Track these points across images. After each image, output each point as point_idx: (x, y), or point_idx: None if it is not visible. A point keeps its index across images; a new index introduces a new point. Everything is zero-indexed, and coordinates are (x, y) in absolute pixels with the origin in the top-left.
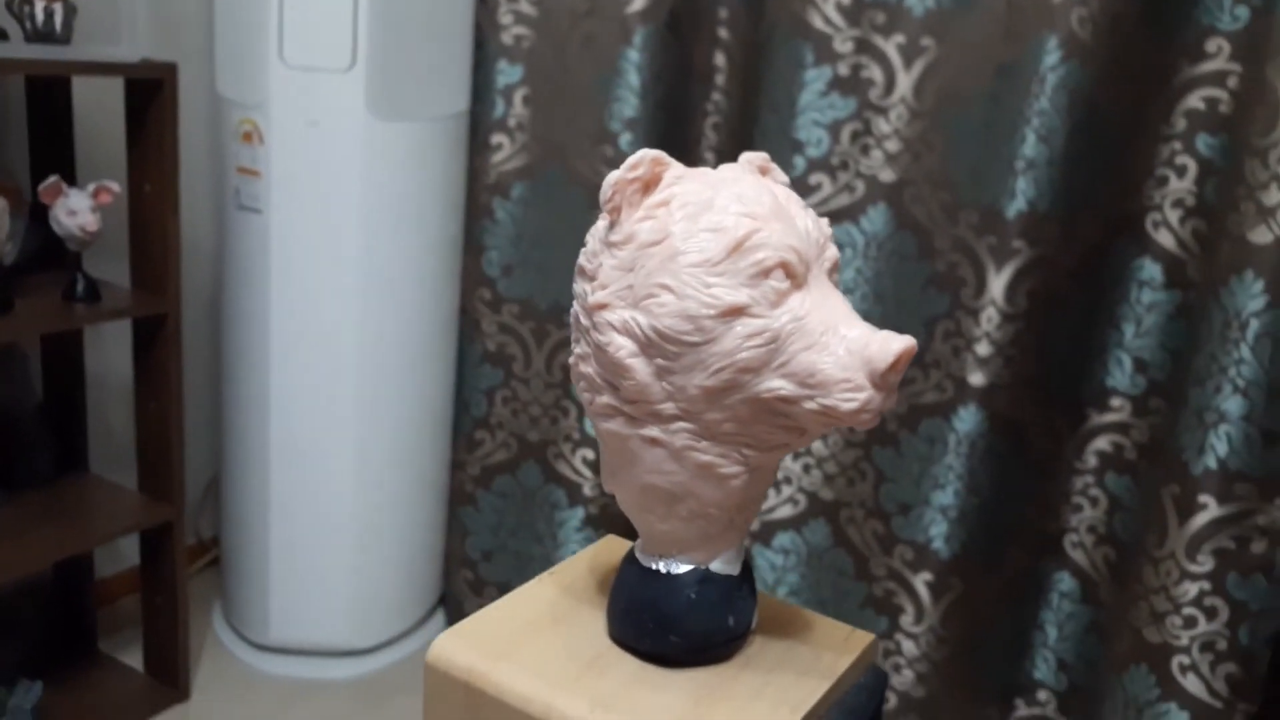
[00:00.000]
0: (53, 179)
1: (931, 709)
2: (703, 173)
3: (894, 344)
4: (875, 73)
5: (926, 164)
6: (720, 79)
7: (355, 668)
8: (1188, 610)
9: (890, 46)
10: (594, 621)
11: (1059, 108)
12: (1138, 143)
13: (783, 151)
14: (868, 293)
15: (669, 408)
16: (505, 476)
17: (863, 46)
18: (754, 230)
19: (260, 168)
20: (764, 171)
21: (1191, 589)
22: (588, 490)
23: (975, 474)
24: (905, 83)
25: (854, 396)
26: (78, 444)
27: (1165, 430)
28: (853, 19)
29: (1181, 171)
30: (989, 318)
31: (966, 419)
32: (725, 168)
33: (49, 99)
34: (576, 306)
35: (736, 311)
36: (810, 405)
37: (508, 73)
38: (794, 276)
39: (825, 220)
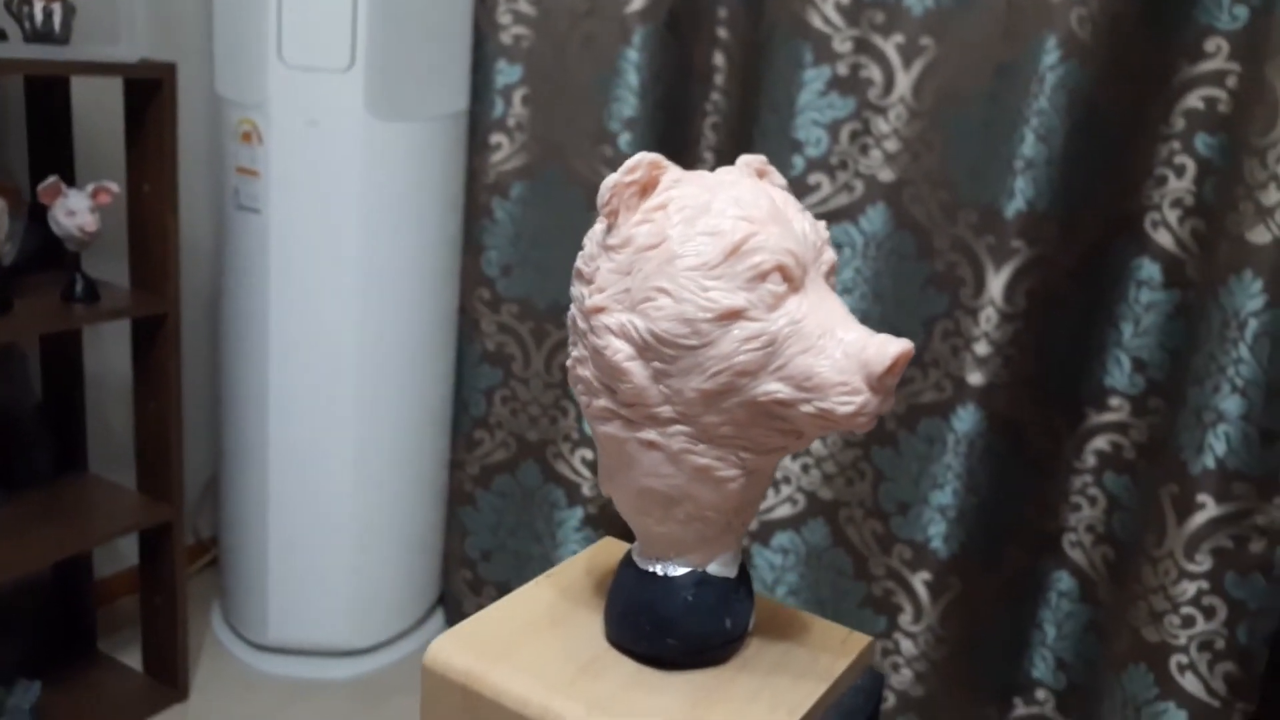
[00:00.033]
0: (52, 179)
1: (930, 708)
2: (700, 176)
3: (891, 347)
4: (874, 72)
5: (925, 164)
6: (719, 79)
7: (354, 667)
8: (1186, 609)
9: (889, 46)
10: (591, 624)
11: (1058, 107)
12: (1137, 142)
13: (782, 151)
14: (867, 292)
15: (666, 411)
16: (504, 476)
17: (862, 46)
18: (751, 234)
19: (259, 168)
20: (761, 174)
21: (1190, 588)
22: (587, 490)
23: (974, 473)
24: (904, 82)
25: (850, 400)
26: (77, 444)
27: (1164, 430)
28: (852, 19)
29: (1180, 171)
30: (988, 317)
31: (965, 418)
32: (723, 171)
33: (48, 99)
34: (574, 310)
35: (734, 315)
36: (807, 409)
37: (507, 72)
38: (791, 280)
39: (823, 223)
